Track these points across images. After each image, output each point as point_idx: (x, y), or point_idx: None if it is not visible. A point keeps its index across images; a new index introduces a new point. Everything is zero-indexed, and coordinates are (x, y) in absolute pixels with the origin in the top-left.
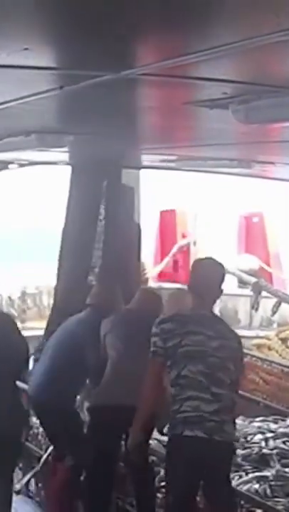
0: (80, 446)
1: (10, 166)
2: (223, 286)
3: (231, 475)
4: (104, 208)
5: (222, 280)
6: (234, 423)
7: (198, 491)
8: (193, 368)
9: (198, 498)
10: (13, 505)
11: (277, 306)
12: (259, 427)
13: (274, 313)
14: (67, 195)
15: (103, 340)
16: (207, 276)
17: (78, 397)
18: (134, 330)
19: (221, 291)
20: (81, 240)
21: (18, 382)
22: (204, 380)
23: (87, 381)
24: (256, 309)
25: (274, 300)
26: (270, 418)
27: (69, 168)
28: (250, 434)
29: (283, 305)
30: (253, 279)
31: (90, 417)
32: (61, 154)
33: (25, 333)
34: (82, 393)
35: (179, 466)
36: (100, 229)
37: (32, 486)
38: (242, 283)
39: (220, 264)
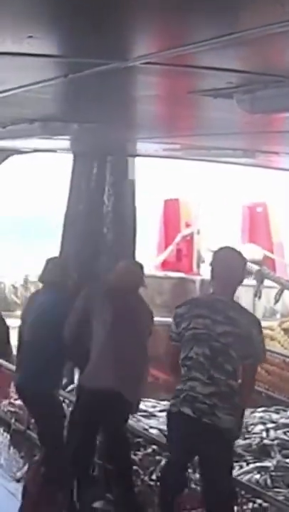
0: (54, 436)
1: (14, 153)
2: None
3: None
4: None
5: (242, 268)
6: (233, 411)
7: (187, 466)
8: (199, 350)
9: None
10: (14, 492)
11: (279, 293)
12: (261, 418)
13: (277, 300)
14: (70, 183)
15: (84, 315)
16: (227, 264)
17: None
18: (121, 307)
19: (242, 278)
20: (85, 225)
21: None
22: (206, 362)
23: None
24: (259, 297)
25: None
26: (271, 408)
27: (71, 155)
28: (251, 425)
29: (287, 295)
30: (256, 267)
31: (77, 398)
32: (65, 142)
33: None
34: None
35: (171, 440)
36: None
37: None
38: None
39: (239, 252)
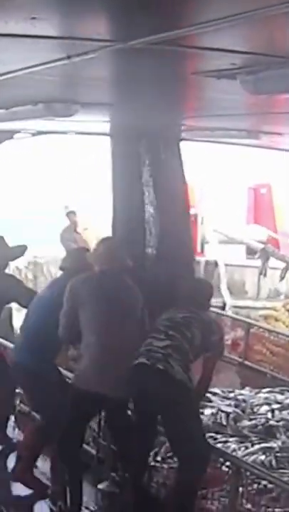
0: (50, 410)
1: (17, 135)
2: (231, 256)
3: (237, 445)
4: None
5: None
6: (186, 368)
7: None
8: (159, 323)
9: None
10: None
11: (285, 271)
12: (266, 398)
13: (282, 278)
14: (111, 165)
15: (73, 305)
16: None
17: None
18: (112, 292)
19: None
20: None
21: None
22: (163, 327)
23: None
24: (264, 275)
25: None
26: (276, 389)
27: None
28: (256, 405)
29: None
30: (260, 246)
31: (72, 392)
32: (69, 123)
33: None
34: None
35: (133, 391)
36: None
37: None
38: (250, 253)
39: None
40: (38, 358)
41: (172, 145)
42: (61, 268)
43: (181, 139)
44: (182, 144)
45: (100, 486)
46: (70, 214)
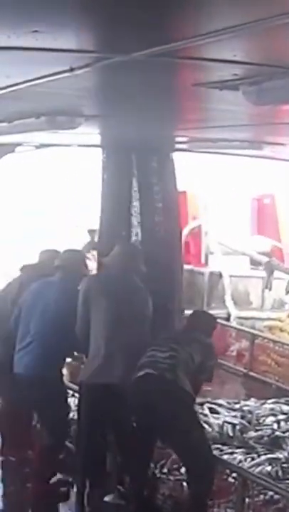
0: (59, 425)
1: (19, 148)
2: (235, 267)
3: (243, 456)
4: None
5: (209, 327)
6: (189, 380)
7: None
8: (160, 340)
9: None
10: None
11: None
12: (271, 409)
13: (288, 292)
14: (101, 177)
15: (85, 305)
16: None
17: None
18: (122, 292)
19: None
20: (117, 219)
21: None
22: (165, 342)
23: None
24: (270, 289)
25: (286, 281)
26: (282, 400)
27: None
28: (262, 416)
29: None
30: (265, 259)
31: (81, 392)
32: (72, 136)
33: None
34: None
35: (136, 403)
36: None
37: None
38: (254, 264)
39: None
40: (49, 367)
41: (165, 156)
42: (57, 267)
43: (175, 150)
44: (176, 155)
45: (106, 499)
46: (92, 232)
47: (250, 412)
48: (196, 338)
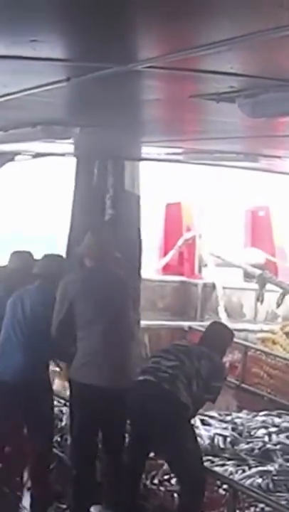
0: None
1: (17, 157)
2: (229, 279)
3: (234, 469)
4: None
5: (230, 341)
6: (190, 393)
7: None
8: (170, 346)
9: None
10: None
11: (281, 298)
12: (263, 422)
13: (279, 305)
14: (73, 186)
15: (67, 306)
16: (220, 337)
17: None
18: (103, 287)
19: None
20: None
21: None
22: (174, 350)
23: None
24: (261, 301)
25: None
26: (274, 412)
27: (74, 159)
28: (253, 429)
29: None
30: (258, 271)
31: (72, 387)
32: (68, 146)
33: None
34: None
35: (133, 408)
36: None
37: None
38: (248, 277)
39: (230, 330)
40: (35, 371)
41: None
42: (36, 275)
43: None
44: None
45: (92, 510)
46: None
47: (241, 424)
48: (207, 355)
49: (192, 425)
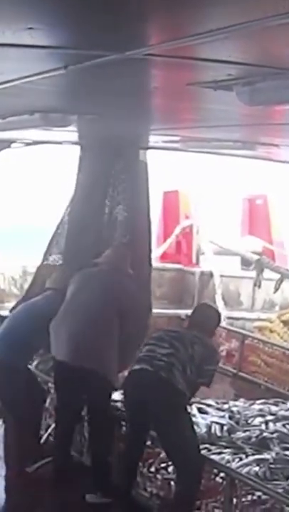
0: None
1: (13, 144)
2: (226, 267)
3: (231, 457)
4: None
5: (218, 319)
6: (187, 380)
7: (147, 427)
8: (163, 333)
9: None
10: None
11: (279, 282)
12: (260, 410)
13: (276, 289)
14: (76, 175)
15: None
16: (206, 315)
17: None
18: (94, 285)
19: (216, 326)
20: (90, 221)
21: None
22: (167, 337)
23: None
24: (259, 286)
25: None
26: (270, 401)
27: (76, 147)
28: (250, 417)
29: (286, 287)
30: (255, 257)
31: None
32: (66, 133)
33: None
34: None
35: (129, 396)
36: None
37: None
38: (245, 264)
39: (215, 310)
40: (14, 355)
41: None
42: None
43: (147, 148)
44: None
45: (88, 498)
46: None
47: (238, 412)
48: (199, 339)
49: (189, 413)
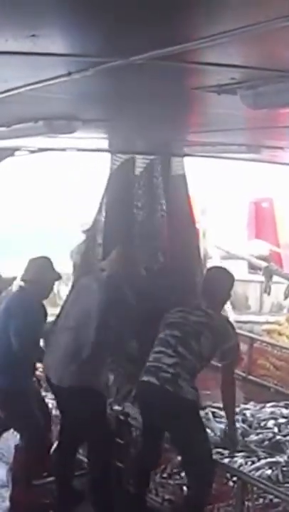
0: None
1: (17, 152)
2: (234, 270)
3: (244, 460)
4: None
5: (229, 287)
6: (193, 387)
7: (160, 439)
8: (168, 331)
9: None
10: None
11: (288, 289)
12: (271, 413)
13: (286, 296)
14: (106, 185)
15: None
16: (216, 282)
17: None
18: (84, 293)
19: (228, 297)
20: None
21: None
22: (173, 340)
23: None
24: (268, 293)
25: (285, 285)
26: (281, 403)
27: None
28: (263, 420)
29: None
30: (264, 264)
31: None
32: (70, 140)
33: None
34: None
35: (140, 409)
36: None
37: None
38: (252, 268)
39: (229, 272)
40: (13, 377)
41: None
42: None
43: (185, 155)
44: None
45: None
46: (87, 232)
47: (251, 415)
48: (205, 324)
49: (200, 418)
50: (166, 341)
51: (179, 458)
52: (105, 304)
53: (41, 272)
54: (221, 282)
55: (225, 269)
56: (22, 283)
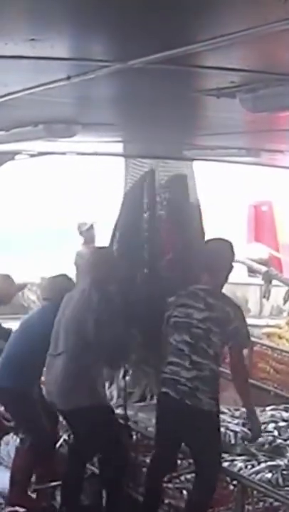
0: (37, 430)
1: (17, 156)
2: (233, 274)
3: (244, 464)
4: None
5: (231, 259)
6: (215, 394)
7: (176, 449)
8: (178, 337)
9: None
10: None
11: (288, 294)
12: (272, 416)
13: (286, 301)
14: (124, 189)
15: None
16: (217, 254)
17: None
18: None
19: (230, 268)
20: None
21: None
22: (186, 348)
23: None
24: (267, 298)
25: (285, 289)
26: (281, 407)
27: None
28: (263, 423)
29: None
30: (263, 268)
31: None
32: (70, 144)
33: None
34: None
35: (157, 422)
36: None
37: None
38: (252, 272)
39: (230, 244)
40: (21, 380)
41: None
42: (45, 299)
43: (185, 158)
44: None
45: None
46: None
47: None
48: (209, 318)
49: (218, 427)
50: (180, 350)
51: (181, 461)
52: (94, 314)
53: (61, 290)
54: (223, 255)
55: (224, 239)
56: (44, 302)
